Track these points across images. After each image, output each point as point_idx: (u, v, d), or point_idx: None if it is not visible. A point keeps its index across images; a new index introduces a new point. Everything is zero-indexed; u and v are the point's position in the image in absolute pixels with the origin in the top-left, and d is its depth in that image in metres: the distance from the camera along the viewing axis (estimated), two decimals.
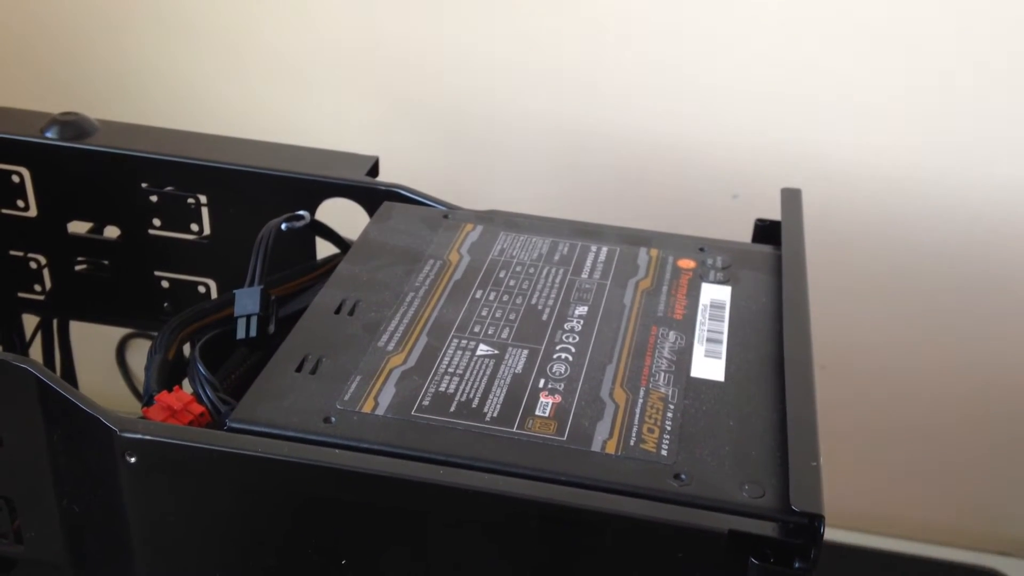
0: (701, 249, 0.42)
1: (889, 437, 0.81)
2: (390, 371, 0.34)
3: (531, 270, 0.40)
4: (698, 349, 0.36)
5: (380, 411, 0.32)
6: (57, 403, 0.32)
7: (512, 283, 0.39)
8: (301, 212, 0.42)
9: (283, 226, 0.40)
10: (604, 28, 0.70)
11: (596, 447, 0.31)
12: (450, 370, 0.34)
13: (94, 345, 0.80)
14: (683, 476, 0.29)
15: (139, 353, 0.84)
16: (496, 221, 0.44)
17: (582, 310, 0.38)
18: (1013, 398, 0.76)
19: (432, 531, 0.30)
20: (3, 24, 0.77)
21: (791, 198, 0.44)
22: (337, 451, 0.30)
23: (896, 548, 0.79)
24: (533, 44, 0.71)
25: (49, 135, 0.49)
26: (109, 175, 0.49)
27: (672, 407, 0.32)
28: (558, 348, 0.35)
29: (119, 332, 0.81)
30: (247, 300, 0.39)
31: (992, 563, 0.78)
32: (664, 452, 0.30)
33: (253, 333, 0.39)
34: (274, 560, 0.32)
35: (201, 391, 0.35)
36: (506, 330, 0.36)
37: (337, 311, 0.37)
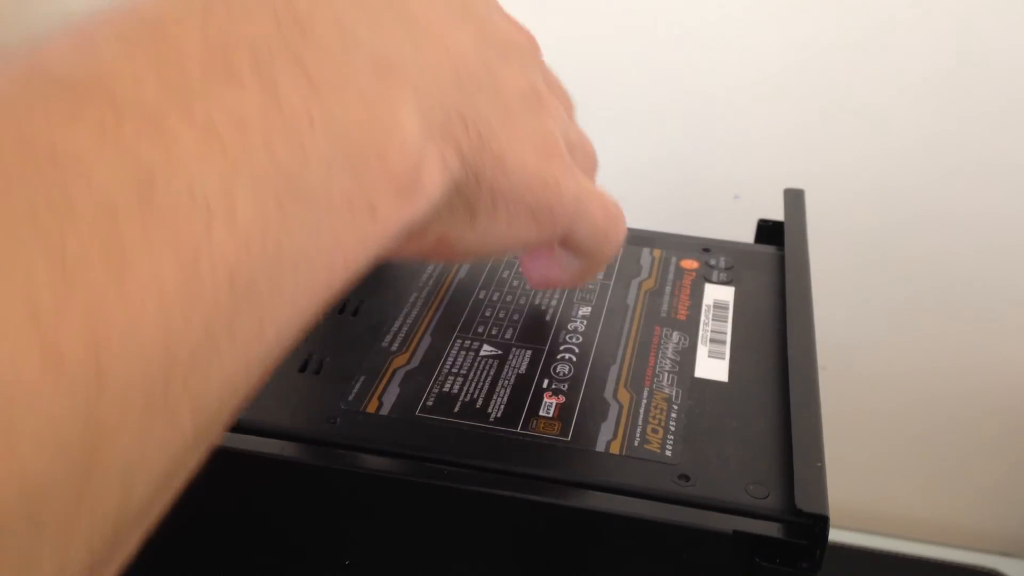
0: (705, 249, 0.42)
1: (889, 437, 0.81)
2: (394, 371, 0.34)
3: None
4: (701, 350, 0.36)
5: (384, 411, 0.32)
6: None
7: (515, 283, 0.39)
8: None
9: None
10: (605, 30, 0.70)
11: (600, 448, 0.31)
12: (454, 370, 0.34)
13: None
14: (688, 477, 0.29)
15: None
16: None
17: (585, 310, 0.38)
18: (1013, 399, 0.76)
19: (435, 531, 0.30)
20: (4, 25, 0.77)
21: (794, 199, 0.44)
22: (341, 452, 0.30)
23: (896, 548, 0.79)
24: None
25: None
26: None
27: (676, 408, 0.32)
28: (562, 348, 0.35)
29: None
30: None
31: (992, 563, 0.78)
32: (668, 453, 0.30)
33: None
34: (277, 560, 0.32)
35: None
36: (509, 330, 0.36)
37: (341, 311, 0.37)
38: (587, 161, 0.30)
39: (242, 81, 0.18)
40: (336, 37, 0.20)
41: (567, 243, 0.30)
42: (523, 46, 0.28)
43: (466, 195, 0.25)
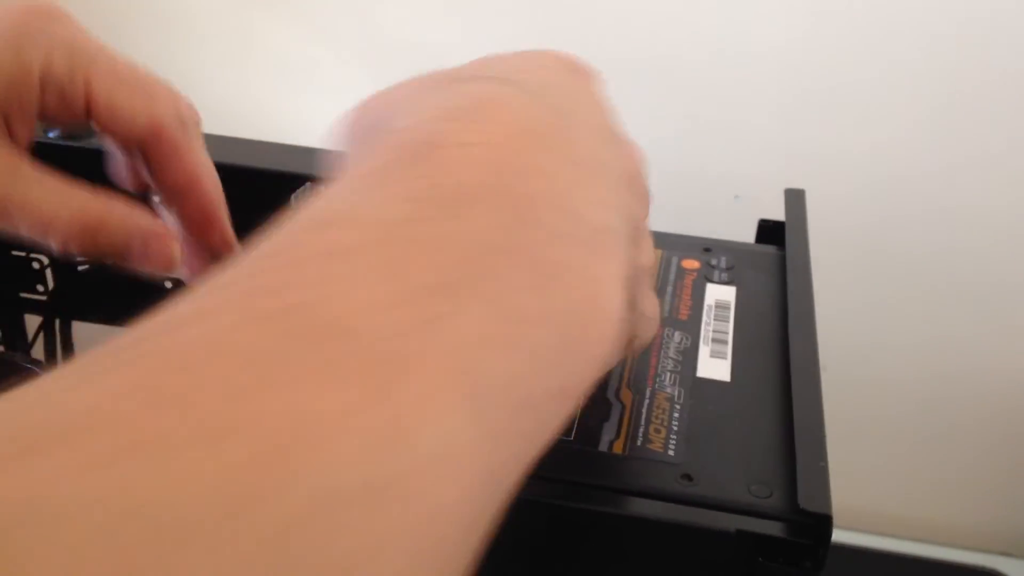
0: (706, 249, 0.42)
1: (890, 437, 0.81)
2: None
3: None
4: (703, 349, 0.36)
5: None
6: None
7: None
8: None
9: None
10: (606, 29, 0.70)
11: (603, 447, 0.31)
12: None
13: (96, 346, 0.80)
14: (690, 476, 0.29)
15: None
16: None
17: None
18: (1013, 399, 0.76)
19: None
20: None
21: (795, 199, 0.44)
22: None
23: (896, 548, 0.80)
24: (535, 42, 0.71)
25: (51, 135, 0.49)
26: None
27: (678, 407, 0.32)
28: None
29: (121, 333, 0.81)
30: None
31: (992, 563, 0.79)
32: (671, 452, 0.30)
33: None
34: None
35: None
36: None
37: None
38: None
39: (470, 296, 0.17)
40: (560, 216, 0.20)
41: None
42: (640, 171, 0.28)
43: None
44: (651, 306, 0.28)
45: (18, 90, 0.30)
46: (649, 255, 0.27)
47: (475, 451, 0.16)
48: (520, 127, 0.21)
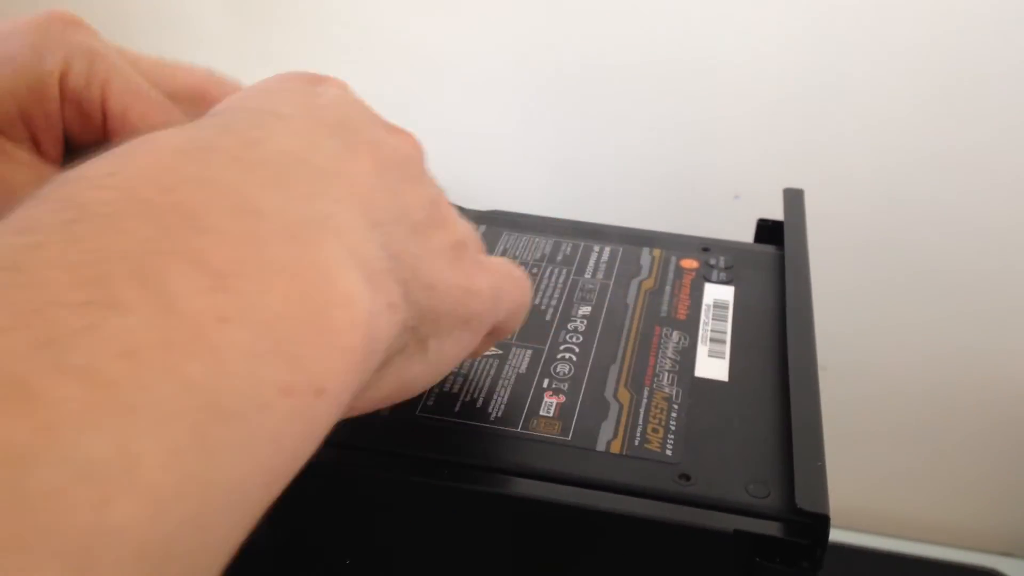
0: (704, 249, 0.42)
1: (889, 437, 0.81)
2: None
3: (534, 270, 0.40)
4: (701, 349, 0.36)
5: (385, 412, 0.32)
6: None
7: None
8: None
9: None
10: (606, 27, 0.70)
11: (601, 447, 0.31)
12: (454, 370, 0.34)
13: None
14: (688, 476, 0.29)
15: None
16: (499, 221, 0.44)
17: (585, 310, 0.38)
18: (1013, 399, 0.76)
19: (436, 531, 0.30)
20: None
21: (793, 198, 0.44)
22: (342, 452, 0.30)
23: (896, 548, 0.79)
24: (535, 41, 0.71)
25: None
26: None
27: (676, 407, 0.32)
28: (562, 348, 0.35)
29: None
30: None
31: (992, 563, 0.79)
32: (669, 452, 0.30)
33: None
34: (277, 560, 0.32)
35: None
36: None
37: None
38: (477, 241, 0.29)
39: (126, 305, 0.16)
40: (235, 218, 0.19)
41: (493, 328, 0.29)
42: (411, 155, 0.27)
43: (413, 330, 0.24)
44: (464, 279, 0.26)
45: (39, 97, 0.29)
46: (447, 233, 0.26)
47: (147, 469, 0.15)
48: (175, 152, 0.20)
